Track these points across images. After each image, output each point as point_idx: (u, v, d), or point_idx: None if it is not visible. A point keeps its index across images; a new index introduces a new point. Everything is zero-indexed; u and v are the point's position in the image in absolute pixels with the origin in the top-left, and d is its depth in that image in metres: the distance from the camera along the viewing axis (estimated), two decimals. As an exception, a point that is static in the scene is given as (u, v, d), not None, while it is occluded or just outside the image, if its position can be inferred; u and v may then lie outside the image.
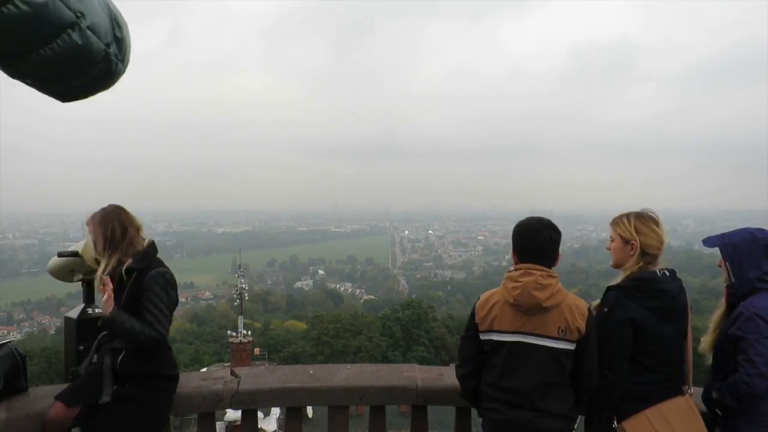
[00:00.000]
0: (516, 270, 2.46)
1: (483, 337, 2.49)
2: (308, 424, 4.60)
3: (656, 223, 2.53)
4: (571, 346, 2.40)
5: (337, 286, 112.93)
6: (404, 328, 44.53)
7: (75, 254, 3.37)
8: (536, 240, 2.45)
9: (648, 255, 2.49)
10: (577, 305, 2.42)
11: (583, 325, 2.38)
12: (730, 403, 2.48)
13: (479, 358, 2.53)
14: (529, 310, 2.39)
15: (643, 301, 2.44)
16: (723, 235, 2.66)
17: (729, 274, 2.57)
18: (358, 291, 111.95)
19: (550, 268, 2.45)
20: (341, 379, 3.16)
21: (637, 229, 2.50)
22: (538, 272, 2.40)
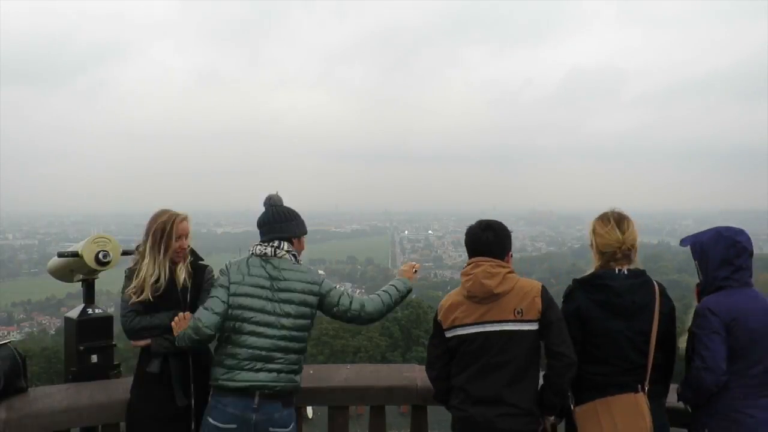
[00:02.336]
0: (467, 264, 2.59)
1: (448, 334, 2.58)
2: (308, 424, 4.60)
3: (617, 222, 2.59)
4: (532, 326, 2.46)
5: (337, 287, 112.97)
6: (403, 329, 44.55)
7: (75, 254, 3.37)
8: (477, 242, 2.60)
9: (606, 254, 2.58)
10: (530, 284, 2.52)
11: (539, 302, 2.46)
12: (688, 396, 2.57)
13: (446, 358, 2.63)
14: (483, 299, 2.50)
15: (590, 294, 2.55)
16: (695, 235, 2.71)
17: (698, 273, 2.63)
18: (358, 291, 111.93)
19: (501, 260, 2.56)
20: (341, 379, 3.17)
21: (594, 229, 2.64)
22: (487, 263, 2.52)
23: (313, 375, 3.22)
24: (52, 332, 60.00)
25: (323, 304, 2.79)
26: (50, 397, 2.89)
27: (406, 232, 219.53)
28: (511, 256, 2.66)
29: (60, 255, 3.50)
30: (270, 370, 2.58)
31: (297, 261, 2.79)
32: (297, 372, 2.69)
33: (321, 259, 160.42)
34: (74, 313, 3.46)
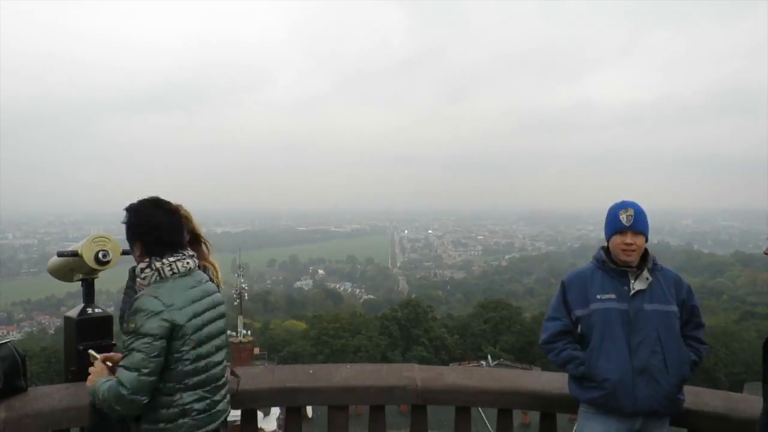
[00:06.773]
0: None
1: None
2: (308, 424, 4.60)
3: None
4: None
5: (337, 286, 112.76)
6: (403, 328, 44.56)
7: (75, 254, 3.36)
8: None
9: None
10: None
11: None
12: None
13: None
14: None
15: None
16: None
17: None
18: (357, 291, 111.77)
19: None
20: (341, 379, 3.16)
21: None
22: None
23: (313, 375, 3.21)
24: (52, 332, 60.00)
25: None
26: (50, 396, 2.89)
27: (406, 231, 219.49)
28: None
29: (60, 254, 3.49)
30: None
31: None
32: None
33: (321, 259, 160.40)
34: (74, 313, 3.46)
